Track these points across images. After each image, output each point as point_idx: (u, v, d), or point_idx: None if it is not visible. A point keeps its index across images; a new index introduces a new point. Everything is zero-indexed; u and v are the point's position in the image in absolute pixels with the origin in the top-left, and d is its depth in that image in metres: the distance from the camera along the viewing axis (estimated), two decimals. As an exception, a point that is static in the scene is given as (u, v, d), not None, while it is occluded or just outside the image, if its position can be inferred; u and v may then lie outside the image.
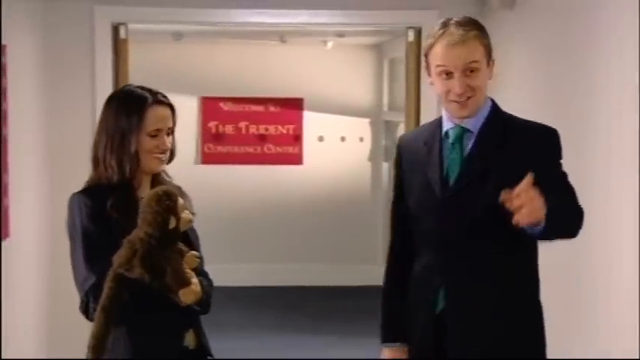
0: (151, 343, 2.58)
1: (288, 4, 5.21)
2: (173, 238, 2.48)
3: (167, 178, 2.76)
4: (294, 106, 8.33)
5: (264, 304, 7.59)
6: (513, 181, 2.34)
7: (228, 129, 8.23)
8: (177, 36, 7.29)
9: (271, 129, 8.34)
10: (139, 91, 2.70)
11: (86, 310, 2.57)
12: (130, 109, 2.64)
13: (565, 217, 2.45)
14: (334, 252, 8.41)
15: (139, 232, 2.46)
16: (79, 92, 5.07)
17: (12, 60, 4.30)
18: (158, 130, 2.65)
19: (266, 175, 8.29)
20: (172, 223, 2.45)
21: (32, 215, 4.76)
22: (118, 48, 5.13)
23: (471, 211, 2.53)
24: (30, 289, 4.73)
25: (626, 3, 3.24)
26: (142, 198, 2.58)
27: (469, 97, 2.53)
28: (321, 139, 8.41)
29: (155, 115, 2.66)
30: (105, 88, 5.08)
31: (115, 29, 5.12)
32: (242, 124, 8.25)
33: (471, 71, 2.51)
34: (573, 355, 2.87)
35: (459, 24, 2.53)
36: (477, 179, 2.54)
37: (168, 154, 2.70)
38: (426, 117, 5.21)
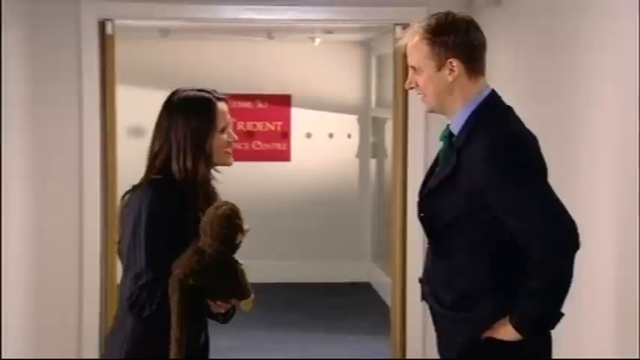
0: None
1: (275, 0, 5.20)
2: (236, 251, 2.62)
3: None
4: (281, 102, 8.32)
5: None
6: (460, 197, 2.48)
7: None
8: (164, 32, 7.27)
9: (259, 125, 8.32)
10: (199, 93, 2.78)
11: (134, 304, 2.61)
12: (201, 112, 2.73)
13: (542, 306, 2.47)
14: (322, 249, 8.40)
15: (206, 247, 2.55)
16: (66, 88, 5.04)
17: (-3, 56, 4.28)
18: (226, 125, 2.77)
19: (254, 171, 8.27)
20: (239, 239, 2.59)
21: (19, 214, 4.73)
22: (105, 44, 5.11)
23: (430, 214, 2.63)
24: (17, 289, 4.70)
25: (610, 3, 3.26)
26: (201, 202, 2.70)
27: (422, 94, 2.64)
28: (308, 135, 8.40)
29: (221, 111, 2.77)
30: (91, 84, 5.07)
31: (102, 25, 5.10)
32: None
33: (415, 70, 2.62)
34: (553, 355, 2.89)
35: (417, 26, 2.62)
36: (437, 184, 2.60)
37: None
38: (414, 113, 5.23)
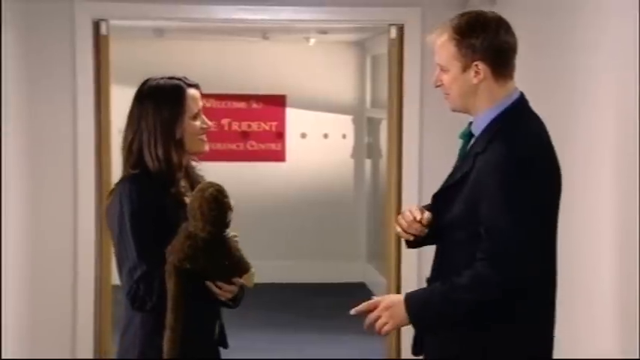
0: (192, 332, 2.63)
1: (270, 1, 5.19)
2: (227, 229, 2.60)
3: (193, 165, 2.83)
4: (276, 102, 8.32)
5: (246, 301, 7.56)
6: (469, 201, 2.42)
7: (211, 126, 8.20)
8: (159, 32, 7.26)
9: (254, 126, 8.32)
10: (169, 80, 2.77)
11: (134, 298, 2.60)
12: (170, 99, 2.72)
13: (441, 310, 2.44)
14: (317, 249, 8.40)
15: (198, 231, 2.54)
16: (60, 88, 5.04)
17: (-9, 56, 4.27)
18: (198, 111, 2.75)
19: (249, 172, 8.27)
20: (229, 217, 2.58)
21: (13, 214, 4.72)
22: (99, 44, 5.10)
23: (438, 212, 2.58)
24: (12, 289, 4.69)
25: (604, 3, 3.26)
26: (183, 187, 2.70)
27: (447, 94, 2.57)
28: (303, 135, 8.40)
29: (192, 97, 2.75)
30: (86, 85, 5.06)
31: (96, 25, 5.09)
32: (224, 121, 8.23)
33: (441, 68, 2.55)
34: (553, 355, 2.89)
35: (446, 24, 2.54)
36: (452, 185, 2.56)
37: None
38: (409, 113, 5.21)
